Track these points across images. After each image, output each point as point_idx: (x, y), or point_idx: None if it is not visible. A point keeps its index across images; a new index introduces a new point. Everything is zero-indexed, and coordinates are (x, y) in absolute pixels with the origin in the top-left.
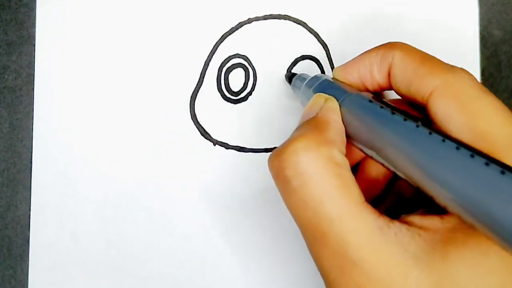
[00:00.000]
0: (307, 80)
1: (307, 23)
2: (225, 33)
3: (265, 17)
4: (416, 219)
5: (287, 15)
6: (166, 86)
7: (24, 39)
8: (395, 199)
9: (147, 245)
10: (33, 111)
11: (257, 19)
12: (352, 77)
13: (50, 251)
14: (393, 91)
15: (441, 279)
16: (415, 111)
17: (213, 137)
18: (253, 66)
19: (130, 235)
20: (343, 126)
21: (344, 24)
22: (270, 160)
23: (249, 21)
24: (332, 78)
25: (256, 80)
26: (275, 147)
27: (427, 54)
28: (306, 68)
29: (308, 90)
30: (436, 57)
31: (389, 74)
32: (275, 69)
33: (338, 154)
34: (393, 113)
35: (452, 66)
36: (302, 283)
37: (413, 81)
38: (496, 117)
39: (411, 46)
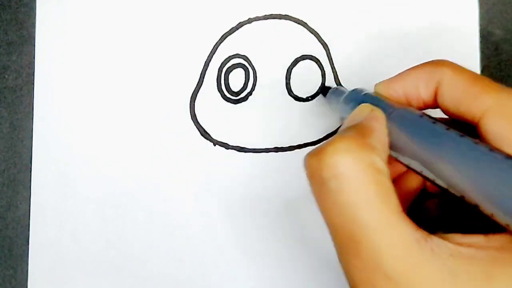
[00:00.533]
0: (345, 94)
1: (307, 23)
2: (225, 33)
3: (265, 17)
4: (456, 236)
5: (287, 15)
6: (166, 86)
7: (24, 39)
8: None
9: (147, 245)
10: (33, 111)
11: (257, 19)
12: (396, 93)
13: (50, 251)
14: (436, 110)
15: None
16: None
17: (213, 137)
18: (253, 66)
19: (130, 235)
20: (387, 136)
21: (344, 24)
22: (307, 158)
23: (249, 21)
24: (374, 93)
25: (256, 80)
26: (275, 147)
27: (478, 74)
28: (307, 68)
29: (347, 105)
30: (487, 78)
31: (436, 92)
32: (275, 69)
33: (379, 161)
34: (447, 129)
35: (505, 87)
36: (302, 283)
37: (464, 101)
38: None
39: (459, 65)
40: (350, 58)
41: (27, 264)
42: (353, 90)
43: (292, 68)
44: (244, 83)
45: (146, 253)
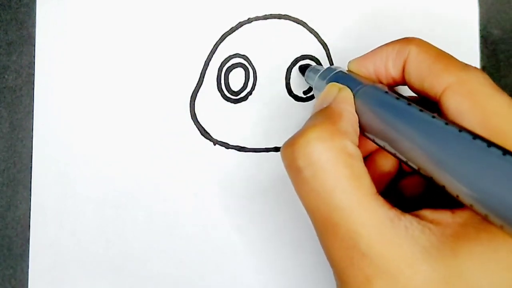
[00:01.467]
0: (320, 72)
1: (307, 23)
2: (225, 33)
3: (265, 17)
4: (427, 213)
5: (287, 15)
6: (166, 86)
7: (24, 39)
8: (396, 197)
9: (147, 245)
10: (33, 111)
11: (257, 19)
12: (367, 70)
13: (50, 251)
14: (405, 88)
15: (450, 274)
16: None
17: (213, 137)
18: (253, 66)
19: (130, 235)
20: (356, 116)
21: (344, 24)
22: (282, 149)
23: (249, 21)
24: (346, 70)
25: (256, 80)
26: (275, 147)
27: (443, 51)
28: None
29: (322, 81)
30: (451, 55)
31: (403, 69)
32: (275, 69)
33: (350, 145)
34: (408, 104)
35: (467, 65)
36: (302, 283)
37: (427, 77)
38: (509, 115)
39: (427, 42)
40: (350, 58)
41: (27, 264)
42: (327, 68)
43: (292, 68)
44: (244, 83)
45: (146, 253)
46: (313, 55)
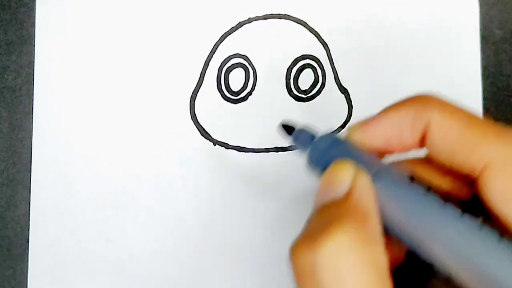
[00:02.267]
0: (316, 139)
1: (307, 22)
2: (225, 33)
3: (265, 17)
4: None
5: (287, 15)
6: (166, 86)
7: (24, 39)
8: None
9: (147, 245)
10: (32, 111)
11: (257, 18)
12: (376, 142)
13: (50, 251)
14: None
15: None
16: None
17: (213, 137)
18: (253, 66)
19: (130, 235)
20: (379, 212)
21: (344, 24)
22: (296, 251)
23: (249, 20)
24: (346, 139)
25: (256, 80)
26: (275, 147)
27: (471, 113)
28: (306, 70)
29: (320, 153)
30: (484, 119)
31: (423, 137)
32: (275, 69)
33: (382, 255)
34: (444, 202)
35: (506, 130)
36: None
37: (460, 151)
38: None
39: (449, 103)
40: (350, 58)
41: (27, 264)
42: (324, 135)
43: (292, 68)
44: (244, 83)
45: (146, 253)
46: (313, 55)
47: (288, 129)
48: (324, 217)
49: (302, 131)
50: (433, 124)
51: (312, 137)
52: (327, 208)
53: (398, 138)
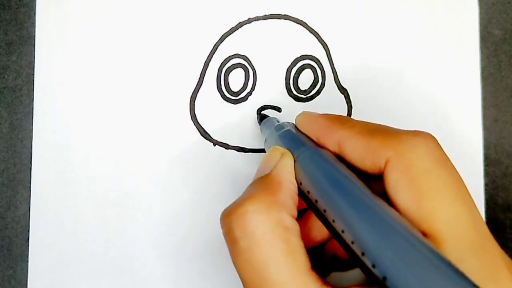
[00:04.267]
0: (273, 126)
1: (307, 23)
2: (225, 33)
3: (265, 17)
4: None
5: (287, 15)
6: (166, 86)
7: (24, 39)
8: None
9: (147, 245)
10: (33, 111)
11: (257, 19)
12: (311, 133)
13: (50, 251)
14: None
15: None
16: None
17: (213, 137)
18: (253, 66)
19: (130, 235)
20: (296, 185)
21: (344, 24)
22: (221, 217)
23: (249, 21)
24: (294, 126)
25: (256, 80)
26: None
27: (377, 125)
28: (306, 70)
29: (272, 138)
30: (387, 126)
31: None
32: (275, 69)
33: (287, 218)
34: (347, 176)
35: (407, 134)
36: None
37: (367, 156)
38: (442, 196)
39: (357, 121)
40: (350, 58)
41: (27, 264)
42: (278, 124)
43: (292, 68)
44: (244, 83)
45: (146, 253)
46: (313, 55)
47: (262, 119)
48: (248, 190)
49: (267, 120)
50: (344, 139)
51: (270, 125)
52: (253, 183)
53: (323, 138)
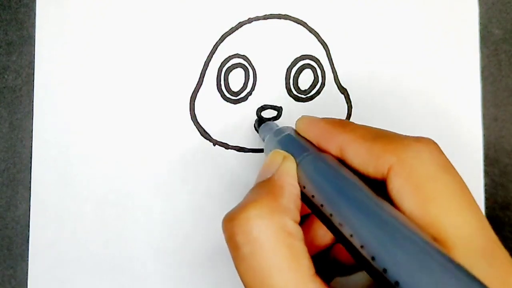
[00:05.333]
0: (273, 131)
1: (307, 23)
2: (225, 33)
3: (265, 17)
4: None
5: (287, 15)
6: (166, 86)
7: (24, 39)
8: (331, 260)
9: (146, 245)
10: (33, 111)
11: (257, 19)
12: (310, 137)
13: (50, 251)
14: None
15: None
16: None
17: (213, 137)
18: (253, 66)
19: (130, 235)
20: (298, 189)
21: (344, 24)
22: (223, 222)
23: (249, 21)
24: (294, 130)
25: (256, 80)
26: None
27: (379, 130)
28: (306, 70)
29: (272, 142)
30: (390, 132)
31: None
32: (275, 69)
33: (290, 222)
34: (352, 182)
35: (410, 140)
36: None
37: (370, 163)
38: (448, 201)
39: (359, 126)
40: (350, 58)
41: (27, 264)
42: (278, 128)
43: (292, 68)
44: (244, 83)
45: (146, 253)
46: (313, 55)
47: (260, 124)
48: (250, 194)
49: (266, 125)
50: (346, 144)
51: (269, 130)
52: (255, 187)
53: (325, 143)
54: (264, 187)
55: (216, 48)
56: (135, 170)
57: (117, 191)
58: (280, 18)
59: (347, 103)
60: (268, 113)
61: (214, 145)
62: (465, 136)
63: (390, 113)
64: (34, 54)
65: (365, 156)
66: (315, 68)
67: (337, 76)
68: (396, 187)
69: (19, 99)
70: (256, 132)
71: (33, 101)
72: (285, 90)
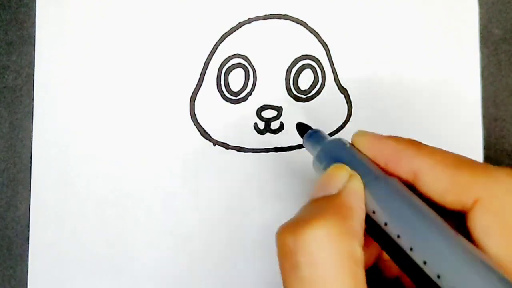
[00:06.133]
0: (326, 142)
1: (307, 23)
2: (225, 33)
3: (265, 17)
4: None
5: (287, 15)
6: (166, 86)
7: (24, 39)
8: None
9: (147, 245)
10: (32, 111)
11: (257, 19)
12: (378, 157)
13: (50, 251)
14: None
15: None
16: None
17: (213, 137)
18: (253, 66)
19: (130, 235)
20: (364, 213)
21: (344, 24)
22: (280, 233)
23: (249, 21)
24: (350, 144)
25: (256, 80)
26: (275, 147)
27: (458, 155)
28: (306, 70)
29: (328, 155)
30: (473, 160)
31: (415, 177)
32: (275, 69)
33: (358, 249)
34: (429, 212)
35: (500, 172)
36: None
37: (451, 191)
38: None
39: (437, 149)
40: (350, 58)
41: (27, 264)
42: (333, 140)
43: (292, 68)
44: (244, 83)
45: (146, 253)
46: (313, 55)
47: (302, 129)
48: (313, 208)
49: (315, 132)
50: (423, 169)
51: (322, 138)
52: (318, 201)
53: (394, 164)
54: (330, 204)
55: (216, 48)
56: (135, 170)
57: (117, 191)
58: (280, 18)
59: (347, 103)
60: (268, 113)
61: (214, 145)
62: (465, 136)
63: (390, 113)
64: (34, 54)
65: (446, 184)
66: (315, 68)
67: (337, 76)
68: (481, 223)
69: (19, 99)
70: (256, 132)
71: (33, 101)
72: (285, 90)
